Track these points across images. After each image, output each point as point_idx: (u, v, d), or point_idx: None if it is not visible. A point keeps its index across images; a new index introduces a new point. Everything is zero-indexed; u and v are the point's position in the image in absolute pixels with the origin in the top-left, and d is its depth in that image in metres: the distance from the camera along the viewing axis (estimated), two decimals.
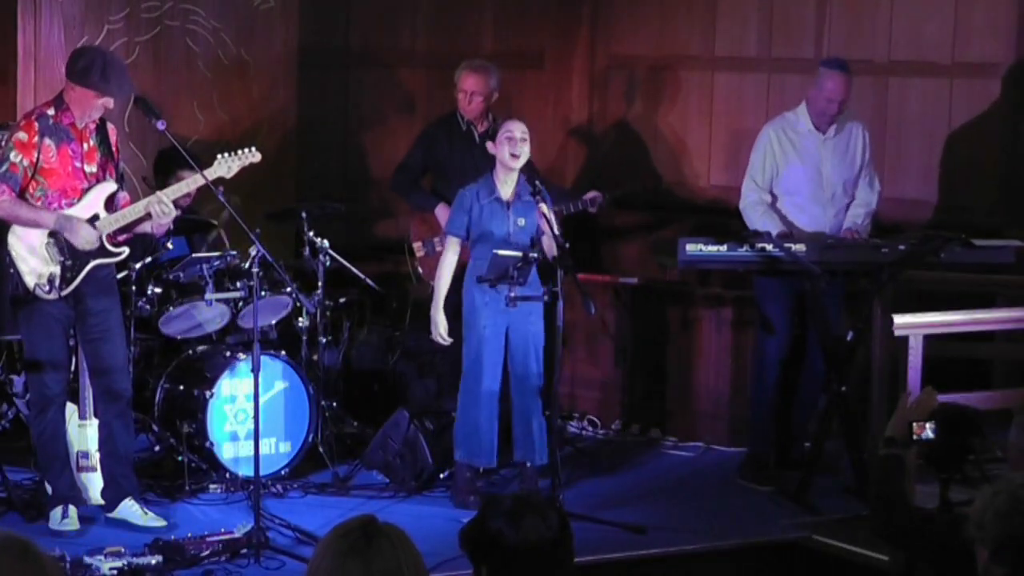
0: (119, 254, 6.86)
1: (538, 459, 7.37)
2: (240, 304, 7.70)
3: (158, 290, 7.58)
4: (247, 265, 7.32)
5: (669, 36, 9.74)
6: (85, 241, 6.70)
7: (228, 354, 7.70)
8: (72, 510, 6.87)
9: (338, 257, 8.13)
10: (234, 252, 7.63)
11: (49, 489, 6.94)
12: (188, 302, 7.60)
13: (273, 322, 8.00)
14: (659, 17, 9.76)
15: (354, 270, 8.32)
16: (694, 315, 8.78)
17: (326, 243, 7.98)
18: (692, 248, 7.55)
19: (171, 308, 7.57)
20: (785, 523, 7.18)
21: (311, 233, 8.01)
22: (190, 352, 7.80)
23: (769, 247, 7.50)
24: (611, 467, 8.24)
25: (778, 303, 7.80)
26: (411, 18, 9.94)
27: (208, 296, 7.56)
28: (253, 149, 6.94)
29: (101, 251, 6.78)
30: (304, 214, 8.04)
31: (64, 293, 6.73)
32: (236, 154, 6.90)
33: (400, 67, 9.95)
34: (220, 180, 6.85)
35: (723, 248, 7.54)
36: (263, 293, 7.28)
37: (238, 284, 7.62)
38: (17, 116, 8.19)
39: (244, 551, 6.54)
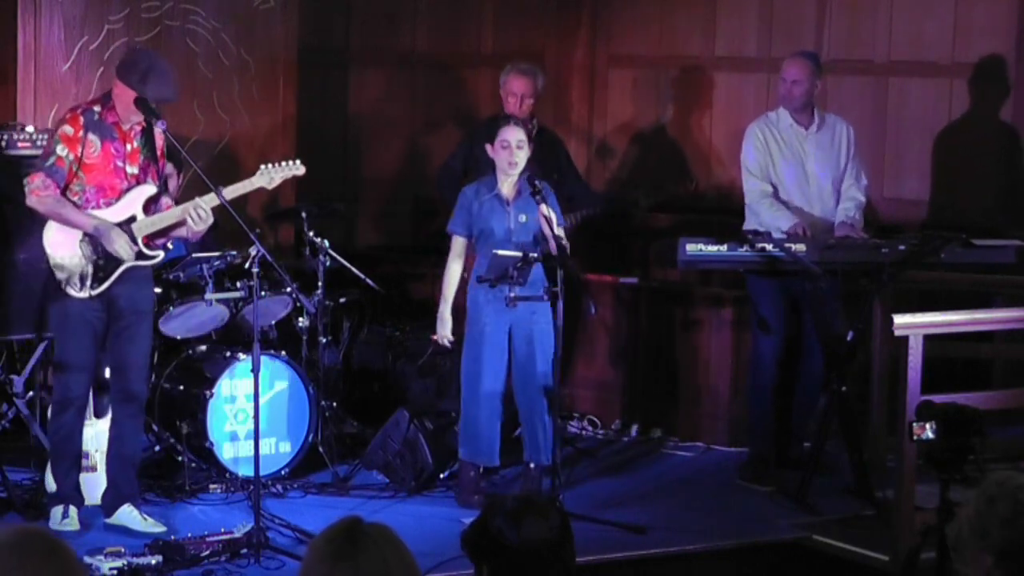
0: (154, 257, 6.82)
1: (543, 459, 7.36)
2: (240, 304, 7.70)
3: (158, 290, 7.57)
4: (247, 265, 7.32)
5: (669, 36, 9.75)
6: (121, 251, 6.65)
7: (228, 354, 7.70)
8: (72, 510, 6.85)
9: (338, 257, 8.12)
10: (234, 252, 7.62)
11: (52, 487, 6.92)
12: (188, 302, 7.60)
13: (273, 322, 8.00)
14: (659, 17, 9.78)
15: (354, 270, 8.32)
16: (694, 315, 8.78)
17: (326, 243, 7.98)
18: (692, 248, 7.54)
19: (171, 308, 7.57)
20: (785, 523, 7.18)
21: (311, 233, 8.02)
22: (190, 352, 7.80)
23: (769, 247, 7.50)
24: (611, 467, 8.24)
25: (772, 303, 7.80)
26: (411, 18, 9.94)
27: (208, 296, 7.56)
28: (297, 162, 6.99)
29: (136, 253, 6.75)
30: (304, 214, 8.04)
31: (95, 293, 6.70)
32: (280, 165, 6.94)
33: (400, 67, 9.95)
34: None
35: (723, 248, 7.54)
36: (263, 293, 7.28)
37: (238, 284, 7.62)
38: (17, 116, 8.20)
39: (244, 551, 6.53)
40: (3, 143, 7.72)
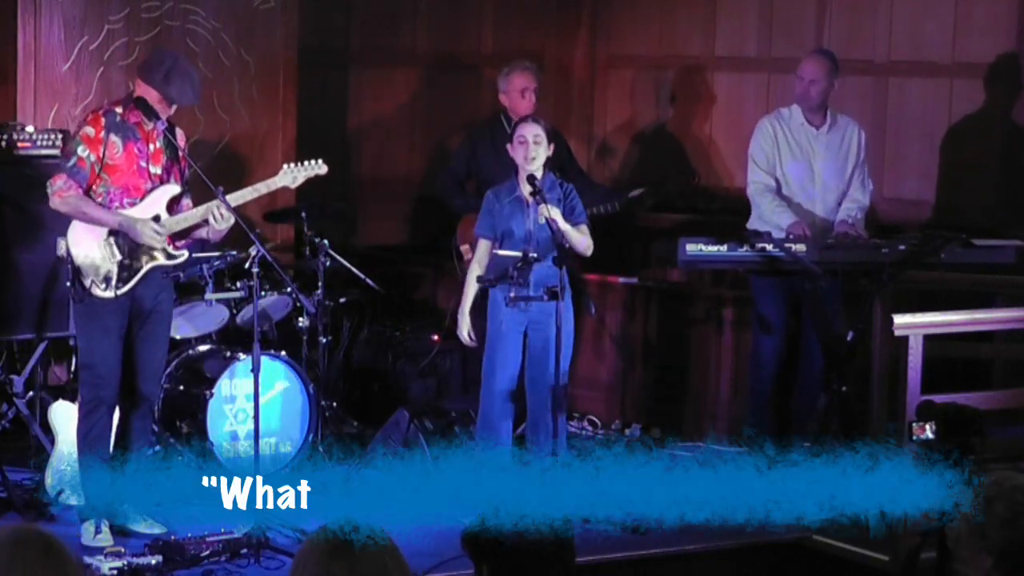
0: (177, 257, 6.82)
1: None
2: (240, 304, 7.69)
3: None
4: (247, 265, 7.31)
5: (669, 36, 9.75)
6: (150, 240, 6.63)
7: (228, 354, 7.70)
8: (105, 526, 6.70)
9: (338, 257, 8.12)
10: (234, 252, 7.62)
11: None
12: (188, 302, 7.60)
13: (273, 322, 8.00)
14: (659, 17, 9.78)
15: (354, 270, 8.31)
16: (694, 315, 8.78)
17: (326, 243, 7.98)
18: (692, 248, 7.54)
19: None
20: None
21: (311, 233, 8.01)
22: (190, 352, 7.80)
23: (769, 247, 7.50)
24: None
25: (774, 303, 7.81)
26: (411, 18, 9.94)
27: (208, 296, 7.56)
28: (320, 161, 7.03)
29: (160, 253, 6.75)
30: (304, 214, 8.04)
31: (120, 293, 6.67)
32: (302, 165, 6.97)
33: (400, 67, 9.95)
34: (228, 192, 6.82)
35: (723, 248, 7.54)
36: (263, 293, 7.28)
37: (238, 284, 7.61)
38: (17, 116, 8.20)
39: (244, 551, 6.54)
40: (3, 143, 7.72)
